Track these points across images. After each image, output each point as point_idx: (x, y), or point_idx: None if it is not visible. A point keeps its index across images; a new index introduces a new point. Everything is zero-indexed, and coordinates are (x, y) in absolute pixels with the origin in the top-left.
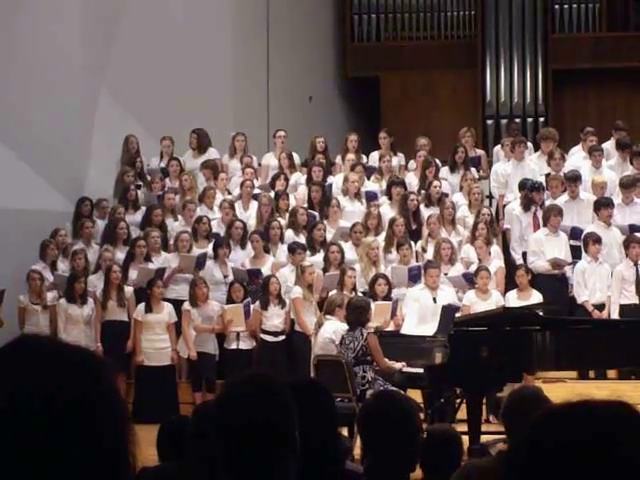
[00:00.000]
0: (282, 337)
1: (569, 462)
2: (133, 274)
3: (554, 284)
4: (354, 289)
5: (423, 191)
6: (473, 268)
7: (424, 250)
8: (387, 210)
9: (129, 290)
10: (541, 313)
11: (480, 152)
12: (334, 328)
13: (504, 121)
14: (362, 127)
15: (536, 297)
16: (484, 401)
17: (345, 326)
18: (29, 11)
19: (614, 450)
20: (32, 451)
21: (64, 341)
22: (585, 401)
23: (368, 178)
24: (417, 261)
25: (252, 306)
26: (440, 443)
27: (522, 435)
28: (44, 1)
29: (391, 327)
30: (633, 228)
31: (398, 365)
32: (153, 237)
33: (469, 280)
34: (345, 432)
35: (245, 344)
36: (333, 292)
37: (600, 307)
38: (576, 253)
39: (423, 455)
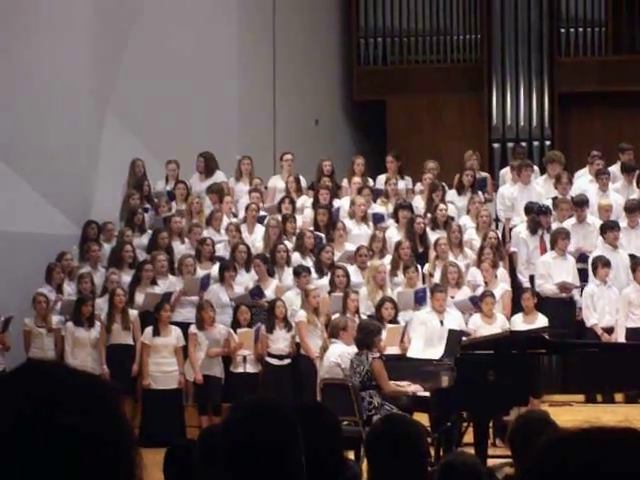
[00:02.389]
0: (287, 360)
1: None
2: (139, 298)
3: (562, 307)
4: (357, 312)
5: (429, 215)
6: (479, 291)
7: (431, 275)
8: (394, 233)
9: (133, 313)
10: (547, 336)
11: (484, 174)
12: (339, 352)
13: (510, 144)
14: (368, 150)
15: (541, 321)
16: (491, 425)
17: (350, 349)
18: (36, 35)
19: (625, 477)
20: (35, 474)
21: (69, 365)
22: (595, 427)
23: (374, 201)
24: (424, 284)
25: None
26: (461, 475)
27: (531, 461)
28: (51, 25)
29: (397, 350)
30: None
31: (412, 388)
32: (159, 260)
33: (475, 303)
34: (351, 456)
35: (252, 368)
36: (336, 316)
37: (609, 330)
38: (583, 276)
39: None
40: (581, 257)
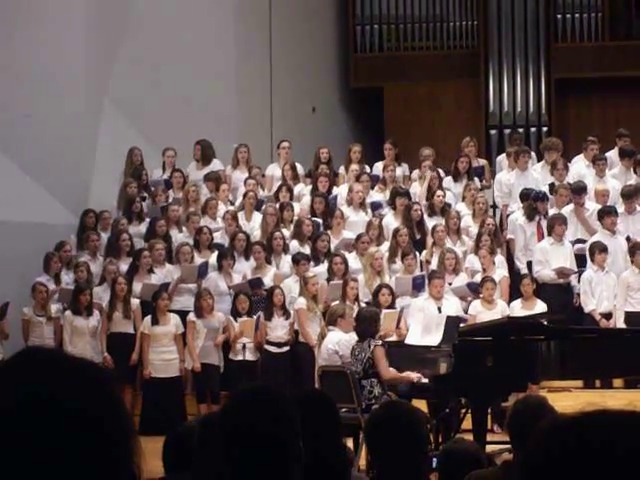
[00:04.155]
0: (286, 348)
1: (586, 470)
2: (137, 286)
3: (559, 293)
4: (357, 299)
5: (425, 202)
6: (477, 278)
7: (428, 262)
8: (391, 220)
9: (135, 302)
10: (545, 322)
11: (482, 161)
12: (337, 339)
13: (507, 131)
14: (365, 138)
15: (540, 307)
16: (489, 411)
17: (348, 337)
18: (32, 24)
19: (632, 458)
20: (32, 460)
21: (68, 353)
22: (601, 410)
23: (372, 188)
24: (421, 271)
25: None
26: (462, 462)
27: (536, 443)
28: (47, 14)
29: (395, 337)
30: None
31: (413, 375)
32: (157, 249)
33: (473, 290)
34: (350, 443)
35: (251, 355)
36: (335, 303)
37: (607, 316)
38: (581, 262)
39: (443, 473)
40: (579, 241)
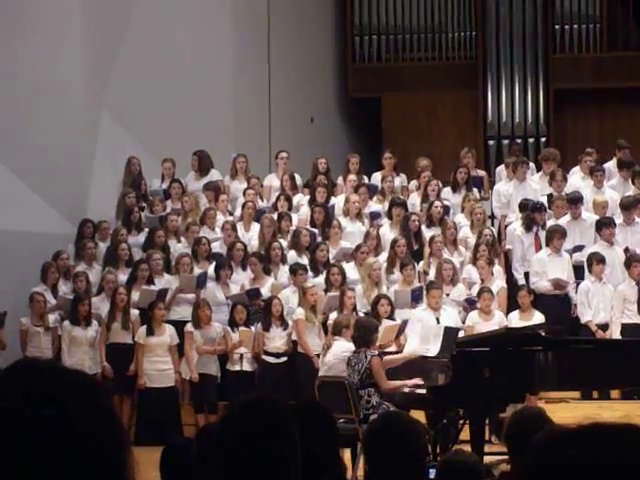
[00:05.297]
0: (284, 358)
1: None
2: (135, 296)
3: (556, 304)
4: (354, 309)
5: (425, 204)
6: (475, 288)
7: (426, 273)
8: (388, 231)
9: (134, 313)
10: (543, 333)
11: (482, 173)
12: (344, 348)
13: (506, 142)
14: (363, 148)
15: (538, 317)
16: (487, 422)
17: (352, 346)
18: (31, 35)
19: (627, 472)
20: (20, 471)
21: (61, 364)
22: (597, 424)
23: (371, 198)
24: (419, 282)
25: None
26: (461, 474)
27: (533, 455)
28: (46, 25)
29: (393, 348)
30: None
31: (411, 382)
32: (155, 259)
33: (471, 304)
34: (348, 454)
35: (248, 366)
36: (334, 314)
37: (604, 327)
38: (579, 273)
39: None
40: (575, 249)
